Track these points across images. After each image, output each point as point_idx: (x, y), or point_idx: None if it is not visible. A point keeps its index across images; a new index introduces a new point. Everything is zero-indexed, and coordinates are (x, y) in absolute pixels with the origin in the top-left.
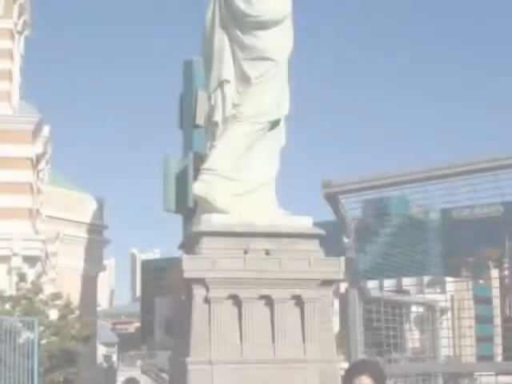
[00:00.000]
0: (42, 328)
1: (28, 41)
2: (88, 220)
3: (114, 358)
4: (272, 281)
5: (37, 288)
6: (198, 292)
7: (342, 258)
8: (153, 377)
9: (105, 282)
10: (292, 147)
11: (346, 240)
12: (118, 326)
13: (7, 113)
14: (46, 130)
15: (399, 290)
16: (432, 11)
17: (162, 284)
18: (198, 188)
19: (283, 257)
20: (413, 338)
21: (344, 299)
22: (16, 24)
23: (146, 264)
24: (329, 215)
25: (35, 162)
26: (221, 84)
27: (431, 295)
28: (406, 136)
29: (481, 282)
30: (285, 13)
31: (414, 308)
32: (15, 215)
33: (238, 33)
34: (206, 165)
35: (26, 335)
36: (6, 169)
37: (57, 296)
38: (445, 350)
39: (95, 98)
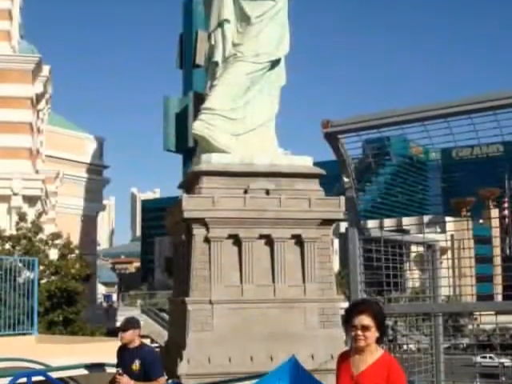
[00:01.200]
0: (41, 267)
1: None
2: (88, 160)
3: (114, 297)
4: (272, 220)
5: (37, 227)
6: (198, 232)
7: (342, 198)
8: (153, 316)
9: (105, 222)
10: (293, 86)
11: (345, 179)
12: (118, 266)
13: (7, 52)
14: (45, 69)
15: (399, 229)
16: None
17: (162, 224)
18: (197, 127)
19: (283, 196)
20: (413, 277)
21: (344, 238)
22: None
23: (145, 204)
24: (329, 155)
25: (35, 102)
26: (221, 24)
27: (431, 235)
28: (407, 76)
29: (481, 221)
30: None
31: (413, 248)
32: (15, 155)
33: None
34: (206, 104)
35: (25, 275)
36: (6, 108)
37: (57, 235)
38: (445, 290)
39: (95, 38)
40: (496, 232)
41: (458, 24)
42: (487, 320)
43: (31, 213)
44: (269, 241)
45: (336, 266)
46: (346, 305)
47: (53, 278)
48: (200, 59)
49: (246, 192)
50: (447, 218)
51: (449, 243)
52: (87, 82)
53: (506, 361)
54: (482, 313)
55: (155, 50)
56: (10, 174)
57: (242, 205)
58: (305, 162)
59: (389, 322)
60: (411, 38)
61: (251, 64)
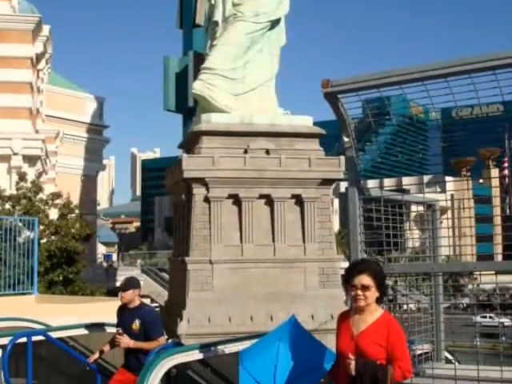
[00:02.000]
0: (41, 227)
1: None
2: (88, 120)
3: (114, 257)
4: (272, 180)
5: (37, 187)
6: (198, 191)
7: (342, 158)
8: (153, 276)
9: (104, 182)
10: (293, 46)
11: (345, 139)
12: (118, 226)
13: (7, 12)
14: (45, 29)
15: (399, 189)
16: None
17: (162, 183)
18: (197, 87)
19: (283, 156)
20: (413, 237)
21: (344, 198)
22: None
23: (145, 163)
24: (329, 115)
25: (35, 62)
26: None
27: (431, 194)
28: (407, 36)
29: (481, 181)
30: None
31: (413, 207)
32: (15, 115)
33: None
34: (206, 64)
35: (25, 234)
36: (6, 68)
37: (57, 195)
38: (445, 250)
39: None
40: (496, 192)
41: None
42: (487, 280)
43: (31, 173)
44: (269, 200)
45: (336, 226)
46: (346, 264)
47: (53, 237)
48: (200, 19)
49: (245, 152)
50: (447, 178)
51: (449, 203)
52: (87, 42)
53: (505, 320)
54: (482, 273)
55: (155, 10)
56: (10, 134)
57: (242, 165)
58: (305, 122)
59: (389, 282)
60: None
61: (251, 24)
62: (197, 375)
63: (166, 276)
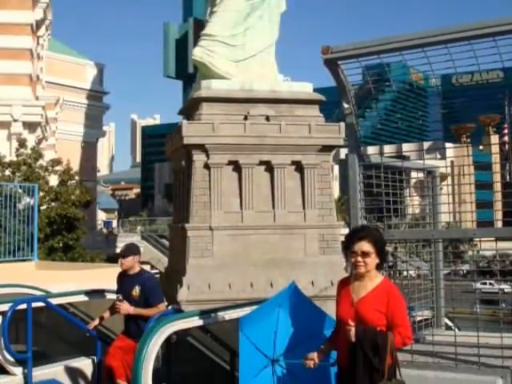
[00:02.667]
0: (41, 194)
1: None
2: (88, 86)
3: (114, 223)
4: (272, 146)
5: (37, 154)
6: (198, 158)
7: (342, 124)
8: (153, 243)
9: (104, 148)
10: (293, 13)
11: (345, 106)
12: (118, 192)
13: None
14: None
15: (399, 155)
16: None
17: (162, 150)
18: (197, 54)
19: (283, 122)
20: (413, 204)
21: (344, 165)
22: None
23: (145, 130)
24: (329, 81)
25: (35, 28)
26: None
27: (431, 161)
28: (408, 2)
29: (480, 147)
30: None
31: (413, 174)
32: (15, 81)
33: None
34: (206, 31)
35: (25, 201)
36: (6, 35)
37: (57, 162)
38: (445, 216)
39: None
40: (496, 158)
41: None
42: (487, 246)
43: (31, 139)
44: (269, 167)
45: (336, 193)
46: (345, 231)
47: (53, 204)
48: None
49: (246, 118)
50: (447, 145)
51: (449, 169)
52: (87, 9)
53: (505, 287)
54: (482, 239)
55: None
56: (10, 101)
57: (242, 131)
58: (305, 89)
59: (389, 248)
60: None
61: None
62: (197, 341)
63: (166, 242)
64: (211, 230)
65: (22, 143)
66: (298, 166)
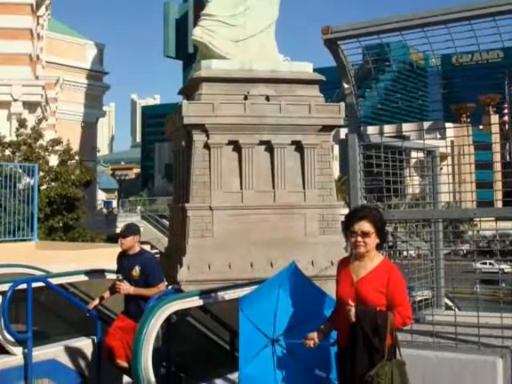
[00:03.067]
0: (41, 174)
1: None
2: (88, 66)
3: (114, 203)
4: (272, 126)
5: (37, 134)
6: (198, 138)
7: (342, 104)
8: (152, 222)
9: (105, 128)
10: None
11: (345, 86)
12: (118, 172)
13: None
14: None
15: (399, 135)
16: None
17: (162, 130)
18: (197, 33)
19: (283, 102)
20: (413, 184)
21: (344, 145)
22: None
23: (145, 110)
24: (329, 61)
25: (35, 8)
26: None
27: (431, 141)
28: None
29: (480, 127)
30: None
31: (413, 154)
32: (15, 61)
33: None
34: (206, 10)
35: (25, 181)
36: (6, 14)
37: (57, 142)
38: (445, 196)
39: None
40: (496, 138)
41: None
42: (487, 226)
43: (31, 119)
44: (269, 147)
45: (336, 173)
46: (345, 211)
47: (53, 184)
48: None
49: (246, 98)
50: (447, 124)
51: (449, 149)
52: None
53: (505, 267)
54: (482, 219)
55: None
56: (10, 80)
57: (242, 111)
58: (305, 68)
59: (389, 228)
60: None
61: None
62: (197, 322)
63: (166, 222)
64: (211, 210)
65: (22, 123)
66: (298, 146)
